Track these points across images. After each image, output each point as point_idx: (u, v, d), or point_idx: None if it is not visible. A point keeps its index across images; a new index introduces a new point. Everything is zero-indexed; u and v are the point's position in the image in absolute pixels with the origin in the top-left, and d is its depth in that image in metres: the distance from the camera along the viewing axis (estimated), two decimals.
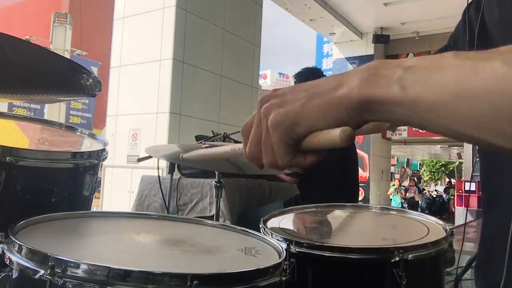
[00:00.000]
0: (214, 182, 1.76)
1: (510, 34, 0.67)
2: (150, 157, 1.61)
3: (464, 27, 0.81)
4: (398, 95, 0.37)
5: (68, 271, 0.63)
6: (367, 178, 11.67)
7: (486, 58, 0.34)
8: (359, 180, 2.95)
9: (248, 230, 1.04)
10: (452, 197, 13.83)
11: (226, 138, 1.51)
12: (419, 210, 12.14)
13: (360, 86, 0.39)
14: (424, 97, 0.35)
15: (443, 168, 32.97)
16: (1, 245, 0.72)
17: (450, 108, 0.34)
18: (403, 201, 13.59)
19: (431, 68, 0.36)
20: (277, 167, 0.44)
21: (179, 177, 2.66)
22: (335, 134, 0.39)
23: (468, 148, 11.43)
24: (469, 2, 0.81)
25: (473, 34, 0.75)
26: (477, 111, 0.33)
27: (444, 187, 18.98)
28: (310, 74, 2.68)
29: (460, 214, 10.18)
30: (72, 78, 1.32)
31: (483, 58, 0.34)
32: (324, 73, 2.81)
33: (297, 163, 0.43)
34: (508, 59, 0.32)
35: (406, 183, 16.04)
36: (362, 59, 11.85)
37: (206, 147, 0.71)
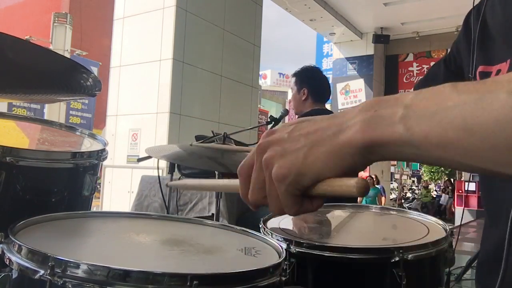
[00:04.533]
0: None
1: None
2: (150, 157, 1.61)
3: (465, 32, 0.82)
4: (403, 135, 0.36)
5: (68, 271, 0.63)
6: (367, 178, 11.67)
7: (490, 90, 0.33)
8: None
9: (248, 230, 1.04)
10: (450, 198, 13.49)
11: (226, 138, 1.51)
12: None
13: (362, 130, 0.37)
14: (432, 135, 0.34)
15: (443, 168, 32.93)
16: (1, 245, 0.72)
17: (460, 145, 0.33)
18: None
19: (433, 105, 0.35)
20: (284, 214, 0.43)
21: (179, 177, 2.65)
22: (350, 186, 0.38)
23: None
24: (472, 7, 0.82)
25: (474, 37, 0.76)
26: (490, 145, 0.32)
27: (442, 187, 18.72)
28: (310, 74, 2.68)
29: (461, 214, 10.19)
30: (72, 78, 1.32)
31: (487, 90, 0.33)
32: (323, 73, 2.81)
33: (305, 210, 0.42)
34: None
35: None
36: (362, 59, 11.85)
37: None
